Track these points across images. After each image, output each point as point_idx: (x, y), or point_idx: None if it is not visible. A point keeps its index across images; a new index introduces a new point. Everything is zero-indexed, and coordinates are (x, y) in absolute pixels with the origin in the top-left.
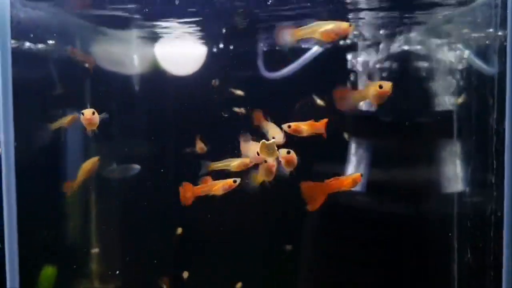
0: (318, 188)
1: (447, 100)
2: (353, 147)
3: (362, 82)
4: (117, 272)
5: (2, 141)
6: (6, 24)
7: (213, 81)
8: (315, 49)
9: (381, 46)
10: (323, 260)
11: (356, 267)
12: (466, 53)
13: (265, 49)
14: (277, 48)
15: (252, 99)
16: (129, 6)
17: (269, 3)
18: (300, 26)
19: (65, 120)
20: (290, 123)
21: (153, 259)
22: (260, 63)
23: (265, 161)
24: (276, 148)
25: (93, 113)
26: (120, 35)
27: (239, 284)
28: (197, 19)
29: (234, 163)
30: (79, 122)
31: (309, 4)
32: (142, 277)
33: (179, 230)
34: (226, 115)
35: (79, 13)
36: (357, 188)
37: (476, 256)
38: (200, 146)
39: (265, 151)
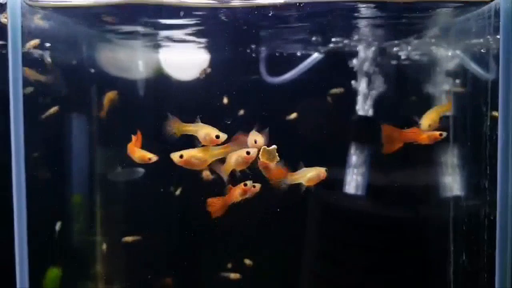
0: (397, 134)
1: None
2: (352, 151)
3: (361, 88)
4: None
5: (13, 143)
6: (18, 33)
7: (203, 70)
8: (316, 56)
9: (379, 53)
10: (323, 264)
11: (355, 270)
12: (462, 60)
13: (266, 55)
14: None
15: (252, 103)
16: (136, 16)
17: (270, 15)
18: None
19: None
20: None
21: (156, 260)
22: (262, 68)
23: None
24: (276, 153)
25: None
26: (126, 43)
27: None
28: (200, 28)
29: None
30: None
31: (308, 16)
32: (146, 278)
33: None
34: (229, 122)
35: (87, 22)
36: (358, 192)
37: (470, 258)
38: (206, 174)
39: (266, 156)
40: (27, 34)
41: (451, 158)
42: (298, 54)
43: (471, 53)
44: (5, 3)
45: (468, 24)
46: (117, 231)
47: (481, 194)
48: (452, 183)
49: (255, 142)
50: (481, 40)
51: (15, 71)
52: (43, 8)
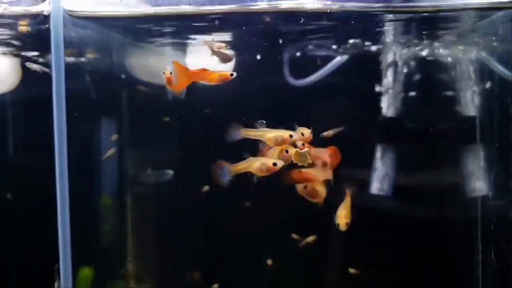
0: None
1: (469, 106)
2: (378, 152)
3: (385, 89)
4: None
5: (56, 148)
6: (60, 43)
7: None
8: (340, 58)
9: (404, 55)
10: (348, 263)
11: (381, 270)
12: (488, 61)
13: (291, 57)
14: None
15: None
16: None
17: (301, 21)
18: None
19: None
20: None
21: (186, 258)
22: (286, 71)
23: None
24: (308, 155)
25: None
26: (156, 48)
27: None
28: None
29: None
30: None
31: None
32: (177, 276)
33: None
34: (261, 122)
35: (120, 30)
36: (384, 192)
37: (499, 258)
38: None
39: (299, 158)
40: (68, 43)
41: (478, 158)
42: (322, 56)
43: (497, 55)
44: (49, 15)
45: (493, 26)
46: (147, 232)
47: (508, 194)
48: (480, 183)
49: (302, 134)
50: (507, 41)
51: (58, 80)
52: (84, 18)
